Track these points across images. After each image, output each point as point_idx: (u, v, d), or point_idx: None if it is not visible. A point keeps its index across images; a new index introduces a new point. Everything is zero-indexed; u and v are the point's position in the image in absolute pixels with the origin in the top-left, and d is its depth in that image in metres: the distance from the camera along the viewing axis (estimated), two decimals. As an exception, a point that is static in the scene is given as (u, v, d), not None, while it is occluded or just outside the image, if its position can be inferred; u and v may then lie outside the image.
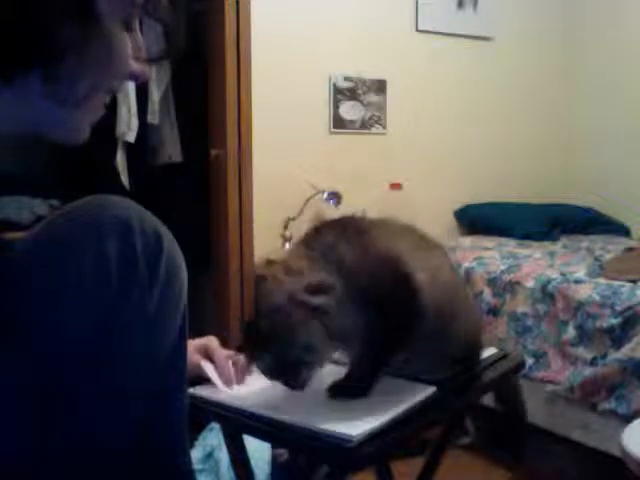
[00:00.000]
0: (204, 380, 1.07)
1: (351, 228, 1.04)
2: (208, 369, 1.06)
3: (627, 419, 1.86)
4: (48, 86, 0.61)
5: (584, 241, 3.13)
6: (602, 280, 2.27)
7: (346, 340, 1.00)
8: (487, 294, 2.55)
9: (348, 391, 1.01)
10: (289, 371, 0.97)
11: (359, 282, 0.97)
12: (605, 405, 2.06)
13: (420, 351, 1.04)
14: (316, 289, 0.95)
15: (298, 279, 0.96)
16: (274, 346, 0.95)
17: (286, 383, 0.99)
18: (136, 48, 0.68)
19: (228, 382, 1.05)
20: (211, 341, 1.10)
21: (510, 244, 3.02)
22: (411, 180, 3.18)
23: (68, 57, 0.60)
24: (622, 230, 3.46)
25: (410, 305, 1.00)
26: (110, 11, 0.63)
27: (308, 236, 1.04)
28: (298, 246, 1.04)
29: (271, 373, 0.99)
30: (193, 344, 1.07)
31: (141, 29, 0.69)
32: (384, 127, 3.20)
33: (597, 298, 2.16)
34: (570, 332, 2.21)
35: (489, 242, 3.04)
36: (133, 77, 0.69)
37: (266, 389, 1.04)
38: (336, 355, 1.17)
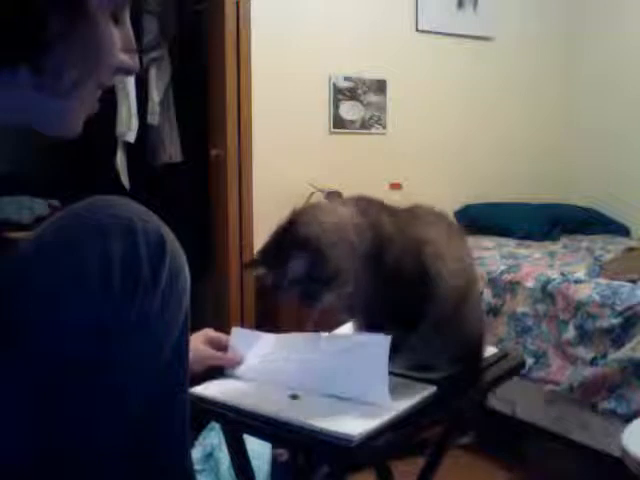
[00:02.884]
0: (215, 372, 1.07)
1: (394, 207, 1.14)
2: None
3: (627, 419, 1.86)
4: (36, 77, 0.61)
5: (584, 241, 3.13)
6: (602, 280, 2.27)
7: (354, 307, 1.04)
8: (487, 294, 2.55)
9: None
10: (311, 285, 0.98)
11: (385, 251, 1.01)
12: (605, 405, 2.06)
13: (424, 341, 1.05)
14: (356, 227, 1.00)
15: (350, 209, 1.03)
16: (308, 251, 0.96)
17: (302, 297, 1.00)
18: (126, 41, 0.68)
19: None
20: (210, 332, 1.13)
21: (510, 244, 3.03)
22: (411, 180, 3.18)
23: (56, 49, 0.60)
24: (622, 230, 3.46)
25: (423, 290, 1.03)
26: (99, 3, 0.63)
27: (360, 196, 1.11)
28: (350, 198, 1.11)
29: (295, 279, 0.98)
30: (197, 337, 1.09)
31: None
32: (384, 127, 3.20)
33: (597, 298, 2.16)
34: (570, 332, 2.21)
35: (489, 242, 3.04)
36: (123, 70, 0.69)
37: (266, 389, 1.04)
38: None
